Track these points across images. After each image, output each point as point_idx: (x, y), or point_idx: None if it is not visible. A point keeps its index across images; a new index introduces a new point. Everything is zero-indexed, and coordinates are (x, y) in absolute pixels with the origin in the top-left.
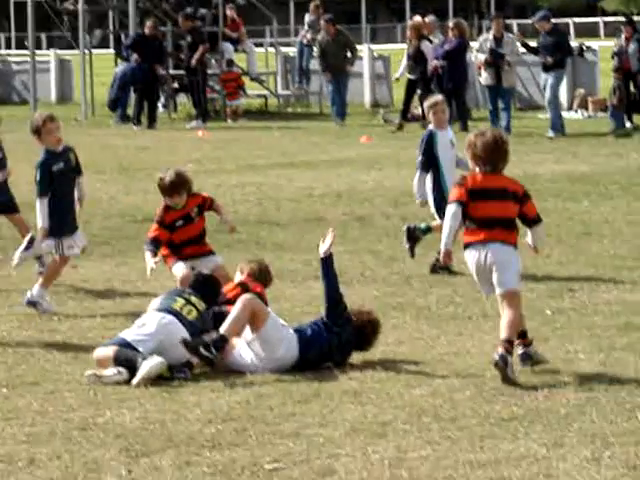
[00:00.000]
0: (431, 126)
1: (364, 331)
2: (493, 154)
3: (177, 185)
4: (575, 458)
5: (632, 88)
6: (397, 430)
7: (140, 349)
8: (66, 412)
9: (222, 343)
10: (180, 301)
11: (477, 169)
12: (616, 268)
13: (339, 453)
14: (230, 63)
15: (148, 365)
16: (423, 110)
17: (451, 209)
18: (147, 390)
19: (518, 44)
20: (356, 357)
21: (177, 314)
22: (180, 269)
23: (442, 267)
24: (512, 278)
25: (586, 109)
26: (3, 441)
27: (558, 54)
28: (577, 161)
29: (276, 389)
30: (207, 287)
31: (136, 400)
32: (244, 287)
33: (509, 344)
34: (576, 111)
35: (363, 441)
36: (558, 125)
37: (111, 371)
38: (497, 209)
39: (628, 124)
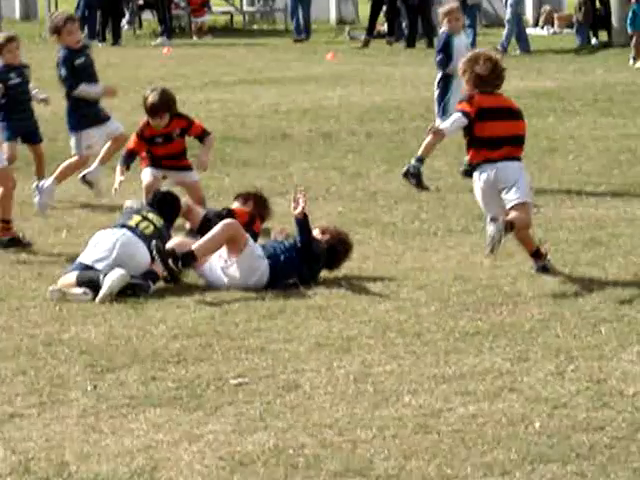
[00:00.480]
0: (445, 29)
1: (335, 251)
2: (494, 74)
3: (158, 107)
4: (539, 372)
5: (598, 4)
6: (362, 345)
7: (99, 267)
8: (31, 328)
9: (191, 260)
10: (136, 218)
11: (475, 90)
12: (581, 184)
13: (304, 368)
14: None
15: (110, 279)
16: (389, 26)
17: (457, 116)
18: (112, 306)
19: None
20: (321, 273)
21: (132, 229)
22: (147, 175)
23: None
24: (525, 191)
25: (552, 25)
26: None
27: None
28: (542, 78)
29: (241, 305)
30: (166, 204)
31: (101, 316)
32: (252, 218)
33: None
34: (542, 27)
35: (328, 356)
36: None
37: (78, 290)
38: (507, 128)
39: (594, 40)
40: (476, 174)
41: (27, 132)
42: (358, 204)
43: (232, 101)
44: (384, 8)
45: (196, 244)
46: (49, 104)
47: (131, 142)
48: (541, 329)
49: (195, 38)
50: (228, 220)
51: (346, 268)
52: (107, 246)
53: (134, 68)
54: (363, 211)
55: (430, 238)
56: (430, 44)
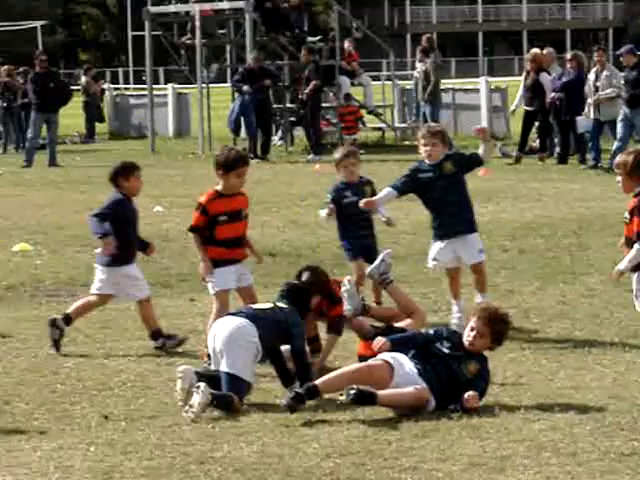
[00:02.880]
0: None
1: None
2: None
3: (241, 160)
4: None
5: None
6: (516, 465)
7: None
8: (184, 446)
9: (312, 396)
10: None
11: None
12: None
13: None
14: (348, 97)
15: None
16: (541, 143)
17: None
18: (265, 424)
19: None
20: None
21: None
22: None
23: None
24: None
25: None
26: (121, 475)
27: None
28: None
29: (394, 423)
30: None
31: (254, 434)
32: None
33: None
34: None
35: (482, 476)
36: None
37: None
38: None
39: None
40: None
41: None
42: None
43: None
44: (536, 124)
45: (321, 380)
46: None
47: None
48: None
49: None
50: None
51: (499, 387)
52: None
53: (286, 184)
54: (516, 329)
55: (584, 356)
56: (583, 160)
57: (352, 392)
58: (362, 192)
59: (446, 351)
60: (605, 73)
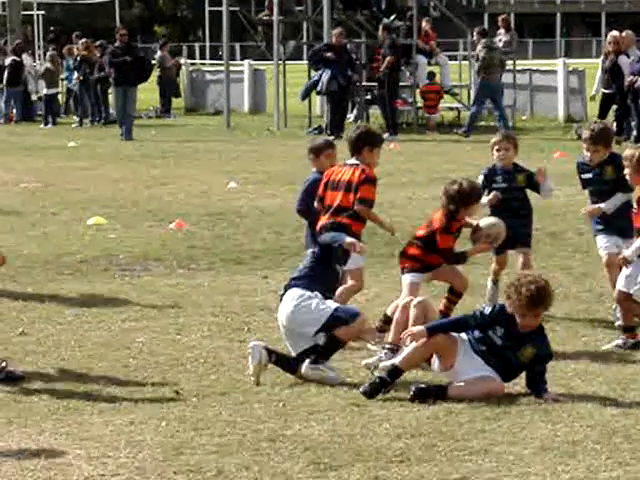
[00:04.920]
0: None
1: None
2: None
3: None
4: None
5: None
6: (587, 450)
7: None
8: (255, 423)
9: (396, 375)
10: None
11: None
12: None
13: (529, 472)
14: (431, 76)
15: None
16: (618, 125)
17: None
18: (336, 403)
19: None
20: (548, 375)
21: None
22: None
23: None
24: None
25: None
26: (192, 451)
27: None
28: None
29: (465, 405)
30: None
31: (325, 413)
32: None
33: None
34: None
35: (553, 460)
36: None
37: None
38: None
39: None
40: None
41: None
42: (585, 305)
43: None
44: (614, 107)
45: (398, 358)
46: None
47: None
48: None
49: (430, 133)
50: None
51: (572, 370)
52: None
53: None
54: (590, 312)
55: None
56: None
57: (414, 390)
58: (514, 180)
59: (499, 342)
60: None
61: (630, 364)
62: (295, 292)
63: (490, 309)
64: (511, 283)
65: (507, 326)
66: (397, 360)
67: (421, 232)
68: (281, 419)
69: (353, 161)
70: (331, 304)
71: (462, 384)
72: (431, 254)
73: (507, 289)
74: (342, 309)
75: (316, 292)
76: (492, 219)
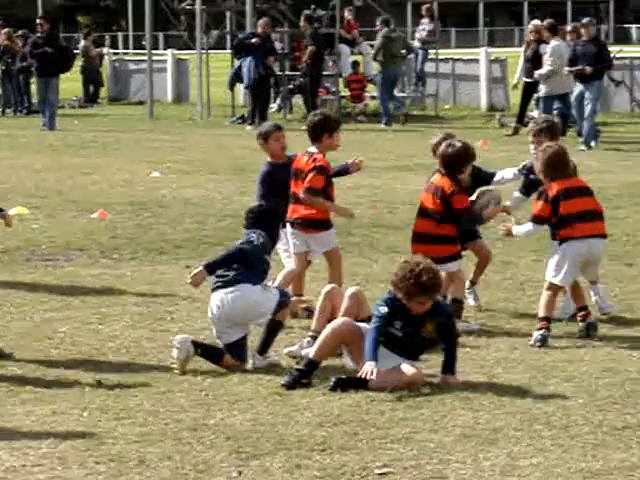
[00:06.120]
0: None
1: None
2: None
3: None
4: None
5: None
6: (508, 437)
7: None
8: (177, 412)
9: (312, 368)
10: None
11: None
12: None
13: (450, 459)
14: (355, 65)
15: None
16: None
17: None
18: (258, 392)
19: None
20: (469, 363)
21: None
22: None
23: None
24: None
25: None
26: (114, 441)
27: (598, 65)
28: None
29: (387, 393)
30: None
31: (247, 402)
32: None
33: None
34: None
35: (474, 447)
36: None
37: None
38: None
39: None
40: None
41: None
42: (507, 294)
43: (381, 187)
44: (535, 96)
45: (312, 351)
46: None
47: None
48: None
49: (354, 122)
50: (335, 322)
51: (494, 358)
52: None
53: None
54: (511, 301)
55: (578, 329)
56: (580, 134)
57: (334, 381)
58: None
59: (400, 334)
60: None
61: (552, 351)
62: (240, 286)
63: (385, 308)
64: (404, 274)
65: (403, 317)
66: (311, 353)
67: (430, 206)
68: (203, 408)
69: (312, 149)
70: (274, 291)
71: (382, 374)
72: (445, 225)
73: (399, 279)
74: (282, 293)
75: (256, 283)
76: (483, 188)
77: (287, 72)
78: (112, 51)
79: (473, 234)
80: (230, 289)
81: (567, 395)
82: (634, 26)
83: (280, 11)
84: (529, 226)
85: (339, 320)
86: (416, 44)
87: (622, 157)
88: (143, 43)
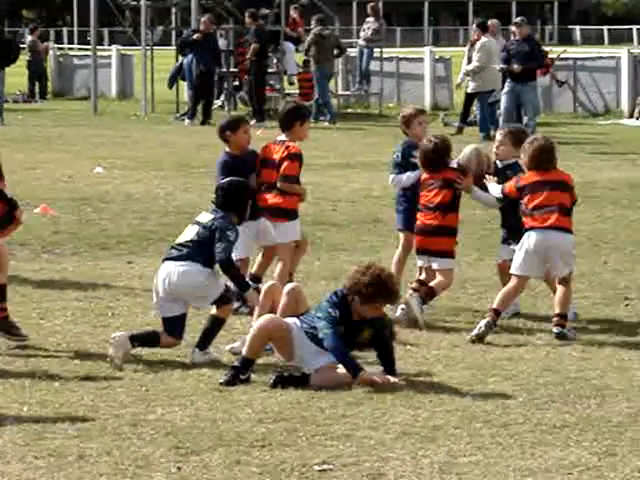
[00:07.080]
0: None
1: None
2: None
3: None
4: (626, 468)
5: None
6: (448, 435)
7: None
8: (117, 408)
9: (247, 365)
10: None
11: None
12: None
13: (389, 456)
14: (306, 64)
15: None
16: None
17: None
18: (198, 388)
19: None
20: (410, 360)
21: None
22: None
23: None
24: None
25: None
26: (53, 435)
27: (532, 63)
28: (637, 168)
29: (328, 391)
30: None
31: (187, 398)
32: None
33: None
34: (637, 118)
35: (413, 445)
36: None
37: None
38: None
39: None
40: None
41: None
42: (448, 292)
43: (324, 185)
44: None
45: (244, 349)
46: None
47: None
48: (629, 424)
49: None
50: (262, 319)
51: (434, 356)
52: None
53: None
54: (453, 299)
55: (519, 328)
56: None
57: (275, 378)
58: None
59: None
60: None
61: (492, 349)
62: (190, 264)
63: (337, 311)
64: (370, 279)
65: (345, 321)
66: (243, 350)
67: (437, 198)
68: (143, 404)
69: (282, 137)
70: (221, 282)
71: (323, 372)
72: (451, 214)
73: (364, 284)
74: (227, 289)
75: (207, 266)
76: (465, 152)
77: (232, 69)
78: (57, 46)
79: None
80: (181, 263)
81: (507, 393)
82: (578, 27)
83: (225, 8)
84: (491, 196)
85: (265, 317)
86: (361, 42)
87: (564, 158)
88: (88, 38)
